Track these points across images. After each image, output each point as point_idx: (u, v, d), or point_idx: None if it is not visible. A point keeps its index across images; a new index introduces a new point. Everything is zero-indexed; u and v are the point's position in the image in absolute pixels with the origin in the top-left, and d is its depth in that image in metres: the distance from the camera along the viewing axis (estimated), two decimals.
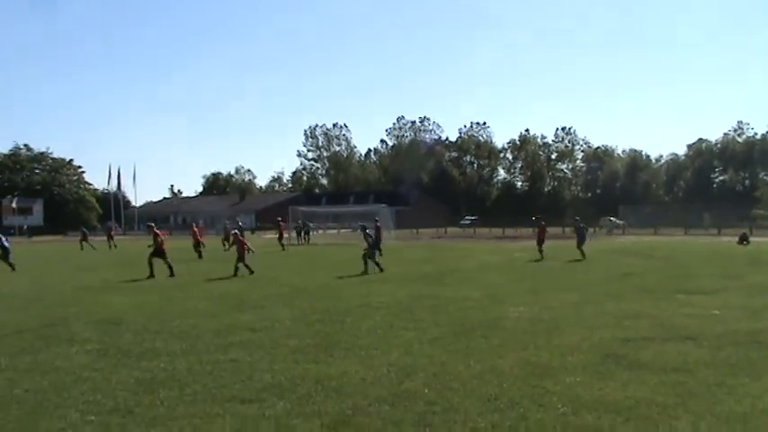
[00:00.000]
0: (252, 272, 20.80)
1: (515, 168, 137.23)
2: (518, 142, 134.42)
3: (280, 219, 43.82)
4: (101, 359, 8.66)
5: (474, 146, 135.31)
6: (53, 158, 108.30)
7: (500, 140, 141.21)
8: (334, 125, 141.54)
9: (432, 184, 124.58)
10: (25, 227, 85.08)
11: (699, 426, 5.68)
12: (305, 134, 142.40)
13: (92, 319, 11.95)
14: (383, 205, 51.29)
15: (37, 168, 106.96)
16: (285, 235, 41.19)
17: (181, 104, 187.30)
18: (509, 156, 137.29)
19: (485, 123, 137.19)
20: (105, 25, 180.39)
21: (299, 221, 50.12)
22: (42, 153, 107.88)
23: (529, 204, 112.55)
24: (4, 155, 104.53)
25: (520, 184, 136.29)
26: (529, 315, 12.00)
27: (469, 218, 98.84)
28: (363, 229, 22.99)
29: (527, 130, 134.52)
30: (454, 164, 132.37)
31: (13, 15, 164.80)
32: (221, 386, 7.21)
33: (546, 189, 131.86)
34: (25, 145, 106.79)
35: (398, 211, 71.81)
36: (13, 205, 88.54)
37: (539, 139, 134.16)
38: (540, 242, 29.36)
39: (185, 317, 12.19)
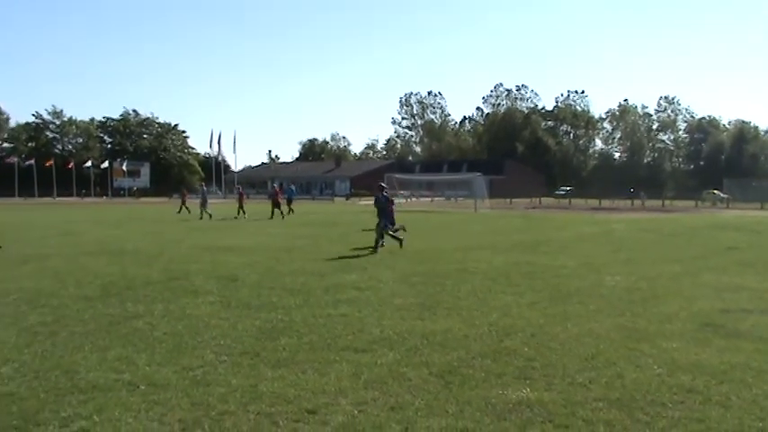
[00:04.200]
0: None
1: (613, 139, 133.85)
2: (617, 112, 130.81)
3: (239, 186, 43.54)
4: (224, 310, 9.51)
5: (571, 115, 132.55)
6: (159, 123, 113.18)
7: (598, 110, 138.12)
8: (429, 93, 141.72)
9: (526, 153, 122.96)
10: (135, 189, 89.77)
11: None
12: (400, 102, 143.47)
13: (210, 275, 12.92)
14: (478, 174, 51.33)
15: (144, 133, 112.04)
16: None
17: (280, 72, 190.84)
18: (607, 126, 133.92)
19: (582, 92, 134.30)
20: None
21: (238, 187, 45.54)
22: (149, 118, 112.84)
23: (627, 176, 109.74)
24: (116, 120, 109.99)
25: (618, 154, 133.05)
26: (626, 284, 12.20)
27: (564, 188, 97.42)
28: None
29: (626, 100, 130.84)
30: (550, 133, 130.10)
31: None
32: (335, 337, 7.88)
33: (645, 160, 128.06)
34: (134, 110, 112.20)
35: (492, 180, 71.64)
36: (123, 168, 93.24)
37: (639, 109, 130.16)
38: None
39: (295, 275, 13.01)
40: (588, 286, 11.91)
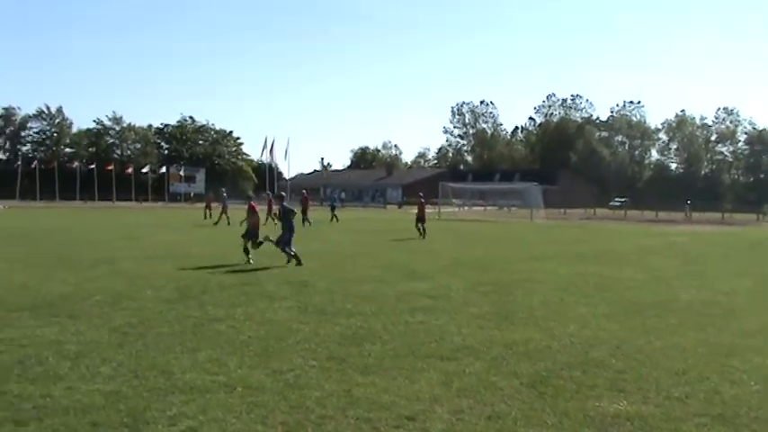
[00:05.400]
0: None
1: (670, 150, 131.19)
2: (673, 123, 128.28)
3: (268, 193, 42.49)
4: (302, 315, 9.61)
5: (626, 125, 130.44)
6: (215, 130, 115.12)
7: (654, 120, 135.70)
8: (481, 102, 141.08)
9: (580, 164, 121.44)
10: (192, 194, 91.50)
11: None
12: (452, 111, 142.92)
13: (281, 281, 13.08)
14: (534, 183, 50.87)
15: (200, 139, 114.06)
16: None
17: (332, 79, 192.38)
18: (663, 136, 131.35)
19: (639, 102, 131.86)
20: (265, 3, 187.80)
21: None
22: (204, 125, 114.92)
23: (684, 187, 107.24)
24: (173, 126, 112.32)
25: (674, 166, 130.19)
26: (701, 298, 11.98)
27: (619, 199, 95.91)
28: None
29: (683, 111, 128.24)
30: (604, 143, 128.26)
31: None
32: (418, 344, 7.90)
33: (703, 172, 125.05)
34: (190, 117, 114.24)
35: (546, 190, 70.87)
36: (181, 173, 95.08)
37: (697, 120, 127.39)
38: (420, 219, 27.07)
39: (363, 282, 13.08)
40: (663, 300, 11.72)
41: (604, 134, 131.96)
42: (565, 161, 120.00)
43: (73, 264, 15.45)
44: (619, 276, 15.04)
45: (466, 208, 67.80)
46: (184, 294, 11.19)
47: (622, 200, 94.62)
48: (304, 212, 34.06)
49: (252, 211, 17.25)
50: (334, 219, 38.81)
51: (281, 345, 7.75)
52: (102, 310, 9.62)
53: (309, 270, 14.94)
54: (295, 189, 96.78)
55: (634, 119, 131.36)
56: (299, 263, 15.74)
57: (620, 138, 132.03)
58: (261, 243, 16.80)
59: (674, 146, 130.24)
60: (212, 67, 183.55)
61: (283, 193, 17.98)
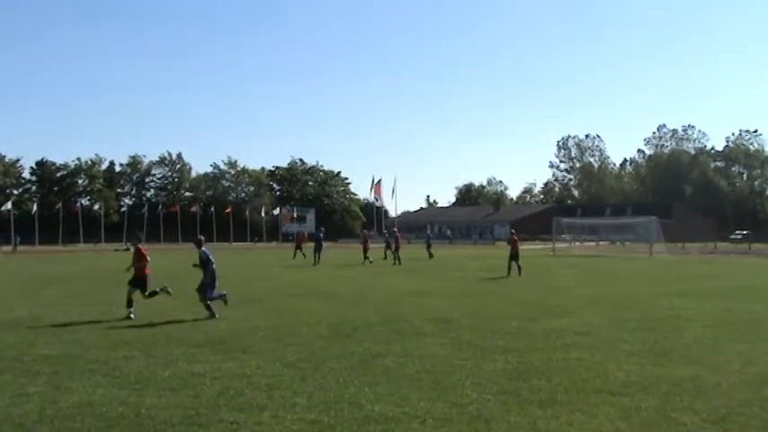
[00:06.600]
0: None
1: None
2: None
3: (365, 231, 43.03)
4: (458, 351, 9.91)
5: (743, 155, 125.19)
6: (323, 171, 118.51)
7: None
8: (586, 136, 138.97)
9: (695, 196, 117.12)
10: (305, 233, 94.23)
11: None
12: (557, 145, 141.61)
13: (424, 318, 13.44)
14: (653, 217, 49.42)
15: (309, 180, 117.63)
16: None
17: (438, 117, 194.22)
18: None
19: (755, 131, 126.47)
20: (367, 49, 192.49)
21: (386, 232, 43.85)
22: (313, 166, 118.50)
23: None
24: (284, 168, 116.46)
25: None
26: None
27: (740, 232, 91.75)
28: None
29: None
30: (721, 174, 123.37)
31: (287, 40, 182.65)
32: (583, 380, 8.03)
33: None
34: (300, 159, 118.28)
35: (660, 224, 68.85)
36: (294, 214, 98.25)
37: None
38: (513, 257, 26.34)
39: (505, 319, 13.28)
40: None
41: (720, 164, 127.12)
42: (679, 194, 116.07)
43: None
44: None
45: (577, 243, 66.52)
46: (338, 332, 11.73)
47: (743, 233, 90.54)
48: (396, 251, 35.39)
49: (140, 256, 14.31)
50: (431, 256, 39.93)
51: (451, 379, 8.06)
52: (270, 346, 10.26)
53: (446, 307, 15.29)
54: (401, 226, 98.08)
55: (752, 147, 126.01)
56: (211, 315, 13.67)
57: (737, 168, 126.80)
58: (154, 293, 14.53)
59: None
60: (322, 108, 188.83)
61: (201, 237, 15.21)
